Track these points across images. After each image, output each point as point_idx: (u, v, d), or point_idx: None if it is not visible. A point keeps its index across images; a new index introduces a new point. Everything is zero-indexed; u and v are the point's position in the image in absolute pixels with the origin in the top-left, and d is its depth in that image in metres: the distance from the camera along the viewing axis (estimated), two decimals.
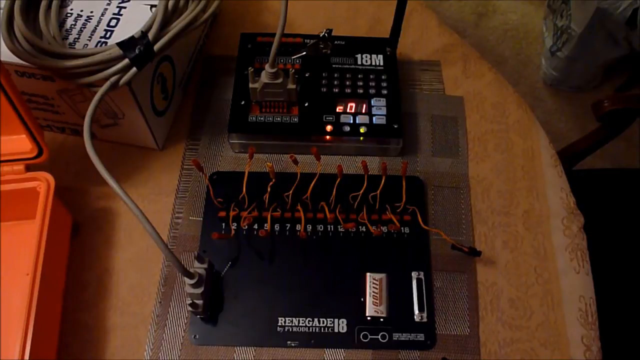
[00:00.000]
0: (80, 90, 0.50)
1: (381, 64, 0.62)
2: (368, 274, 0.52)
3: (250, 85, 0.56)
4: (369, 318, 0.51)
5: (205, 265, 0.48)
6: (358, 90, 0.59)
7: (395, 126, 0.58)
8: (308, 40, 0.62)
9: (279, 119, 0.57)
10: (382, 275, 0.52)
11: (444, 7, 1.64)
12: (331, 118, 0.58)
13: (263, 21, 0.70)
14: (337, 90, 0.59)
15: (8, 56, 0.47)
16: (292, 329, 0.50)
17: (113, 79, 0.46)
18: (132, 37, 0.47)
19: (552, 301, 0.53)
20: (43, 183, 0.49)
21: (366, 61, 0.62)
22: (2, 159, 0.49)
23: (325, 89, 0.59)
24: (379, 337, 0.50)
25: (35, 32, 0.49)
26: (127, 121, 0.54)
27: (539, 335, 0.51)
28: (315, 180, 0.51)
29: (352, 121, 0.58)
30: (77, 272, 0.52)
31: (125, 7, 0.54)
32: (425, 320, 0.51)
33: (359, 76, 0.60)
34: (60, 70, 0.47)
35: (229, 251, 0.53)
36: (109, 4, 0.54)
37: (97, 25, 0.52)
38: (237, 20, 0.70)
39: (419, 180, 0.58)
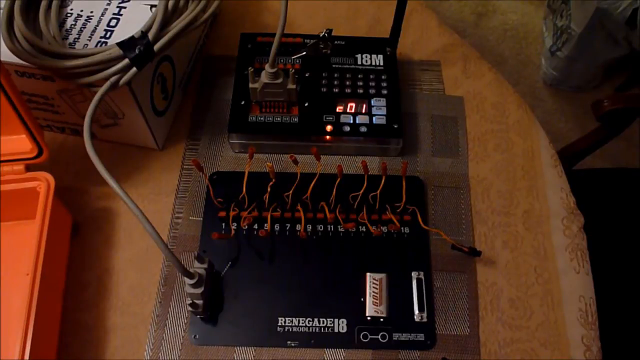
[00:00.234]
0: (80, 90, 0.50)
1: (381, 64, 0.62)
2: (368, 274, 0.52)
3: (250, 85, 0.56)
4: (369, 318, 0.51)
5: (205, 265, 0.48)
6: (358, 90, 0.59)
7: (395, 126, 0.58)
8: (308, 40, 0.62)
9: (279, 119, 0.57)
10: (382, 275, 0.52)
11: (444, 7, 1.64)
12: (331, 118, 0.58)
13: (263, 21, 0.70)
14: (337, 90, 0.59)
15: (8, 56, 0.47)
16: (292, 329, 0.50)
17: (113, 79, 0.46)
18: (132, 37, 0.47)
19: (552, 301, 0.53)
20: (43, 183, 0.49)
21: (366, 61, 0.62)
22: (2, 159, 0.49)
23: (325, 89, 0.59)
24: (379, 337, 0.50)
25: (35, 32, 0.49)
26: (127, 121, 0.54)
27: (539, 335, 0.51)
28: (315, 180, 0.51)
29: (352, 121, 0.58)
30: (77, 272, 0.52)
31: (125, 7, 0.54)
32: (425, 320, 0.51)
33: (359, 76, 0.60)
34: (60, 70, 0.47)
35: (229, 251, 0.53)
36: (109, 4, 0.54)
37: (97, 25, 0.52)
38: (237, 20, 0.70)
39: (419, 180, 0.58)
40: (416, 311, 0.51)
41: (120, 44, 0.46)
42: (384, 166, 0.51)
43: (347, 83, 0.60)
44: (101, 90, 0.46)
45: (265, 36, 0.63)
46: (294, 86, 0.56)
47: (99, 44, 0.51)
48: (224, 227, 0.55)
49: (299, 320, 0.50)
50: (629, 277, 0.78)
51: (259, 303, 0.51)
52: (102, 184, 0.43)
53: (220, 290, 0.51)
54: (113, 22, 0.52)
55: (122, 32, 0.51)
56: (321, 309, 0.51)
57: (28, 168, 0.50)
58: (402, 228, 0.55)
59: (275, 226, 0.55)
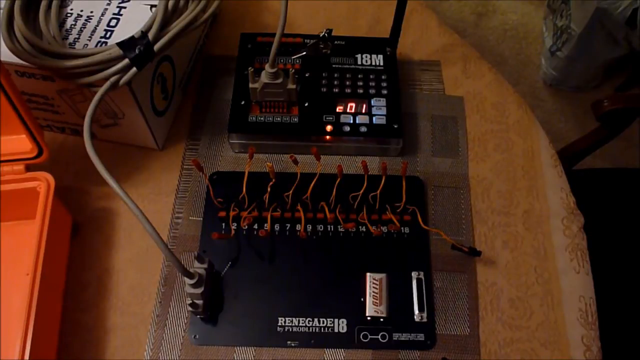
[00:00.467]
0: (80, 90, 0.50)
1: (381, 64, 0.62)
2: (368, 274, 0.52)
3: (250, 85, 0.56)
4: (369, 318, 0.51)
5: (205, 265, 0.48)
6: (358, 90, 0.59)
7: (395, 126, 0.58)
8: (308, 40, 0.62)
9: (279, 119, 0.57)
10: (382, 275, 0.52)
11: (444, 7, 1.64)
12: (331, 118, 0.58)
13: (263, 21, 0.70)
14: (337, 90, 0.59)
15: (8, 56, 0.47)
16: (292, 329, 0.50)
17: (113, 79, 0.46)
18: (132, 37, 0.47)
19: (552, 301, 0.53)
20: (43, 183, 0.49)
21: (366, 61, 0.62)
22: (2, 159, 0.49)
23: (325, 89, 0.59)
24: (379, 337, 0.50)
25: (35, 32, 0.49)
26: (127, 121, 0.54)
27: (539, 335, 0.51)
28: (315, 180, 0.51)
29: (352, 121, 0.58)
30: (77, 272, 0.52)
31: (125, 7, 0.54)
32: (425, 320, 0.51)
33: (359, 76, 0.60)
34: (60, 70, 0.47)
35: (229, 251, 0.53)
36: (109, 4, 0.54)
37: (97, 25, 0.52)
38: (237, 20, 0.70)
39: (419, 180, 0.58)
40: (416, 311, 0.51)
41: (120, 44, 0.46)
42: (384, 166, 0.51)
43: (347, 83, 0.60)
44: (101, 90, 0.46)
45: (265, 36, 0.63)
46: (294, 86, 0.56)
47: (99, 44, 0.51)
48: (224, 227, 0.55)
49: (299, 320, 0.50)
50: (629, 277, 0.78)
51: (259, 303, 0.51)
52: (102, 184, 0.43)
53: (220, 290, 0.51)
54: (113, 22, 0.52)
55: (122, 32, 0.51)
56: (321, 309, 0.51)
57: (28, 168, 0.50)
58: (402, 228, 0.55)
59: (275, 226, 0.55)
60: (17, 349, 0.41)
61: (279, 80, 0.55)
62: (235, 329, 0.50)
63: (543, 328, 0.52)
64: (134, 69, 0.47)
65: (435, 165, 0.60)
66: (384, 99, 0.59)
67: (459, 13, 1.63)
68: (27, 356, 0.41)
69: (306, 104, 0.58)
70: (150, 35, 0.48)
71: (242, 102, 0.58)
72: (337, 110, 0.58)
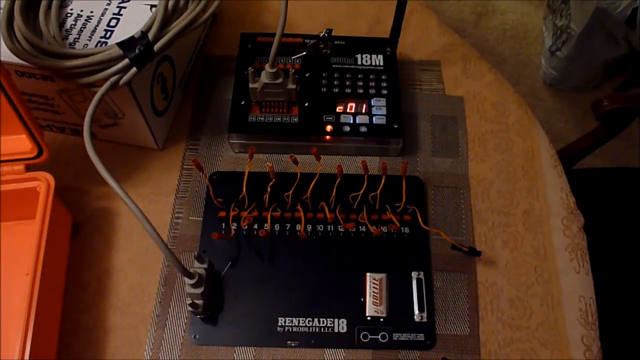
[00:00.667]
0: (80, 90, 0.50)
1: (381, 64, 0.62)
2: (368, 274, 0.52)
3: (250, 85, 0.56)
4: (369, 318, 0.51)
5: (205, 265, 0.48)
6: (358, 90, 0.59)
7: (395, 126, 0.58)
8: (308, 40, 0.62)
9: (279, 119, 0.57)
10: (382, 275, 0.52)
11: (444, 7, 1.64)
12: (331, 118, 0.58)
13: (263, 21, 0.70)
14: (337, 90, 0.59)
15: (8, 56, 0.47)
16: (292, 329, 0.50)
17: (113, 79, 0.46)
18: (132, 37, 0.47)
19: (552, 301, 0.53)
20: (43, 183, 0.49)
21: (366, 61, 0.62)
22: (2, 159, 0.49)
23: (325, 89, 0.59)
24: (379, 337, 0.50)
25: (35, 32, 0.49)
26: (127, 121, 0.54)
27: (539, 335, 0.51)
28: (315, 180, 0.51)
29: (352, 121, 0.58)
30: (77, 272, 0.52)
31: (125, 7, 0.53)
32: (425, 320, 0.51)
33: (359, 76, 0.60)
34: (60, 70, 0.47)
35: (229, 251, 0.53)
36: (109, 4, 0.54)
37: (97, 25, 0.52)
38: (237, 20, 0.70)
39: (419, 180, 0.58)
40: (416, 311, 0.51)
41: (120, 44, 0.46)
42: (384, 166, 0.51)
43: (347, 83, 0.60)
44: (101, 90, 0.46)
45: (265, 36, 0.63)
46: (294, 86, 0.56)
47: (99, 44, 0.51)
48: (224, 227, 0.55)
49: (299, 320, 0.50)
50: (629, 277, 0.78)
51: (259, 303, 0.51)
52: (102, 184, 0.43)
53: (220, 290, 0.51)
54: (113, 22, 0.52)
55: (122, 32, 0.51)
56: (321, 309, 0.51)
57: (28, 168, 0.50)
58: (402, 228, 0.55)
59: (275, 226, 0.55)
60: (17, 349, 0.41)
61: (279, 80, 0.55)
62: (235, 329, 0.50)
63: (543, 328, 0.52)
64: (134, 69, 0.47)
65: (435, 165, 0.60)
66: (384, 99, 0.59)
67: (459, 13, 1.63)
68: (27, 356, 0.41)
69: (306, 104, 0.58)
70: (150, 35, 0.48)
71: (242, 102, 0.58)
72: (337, 110, 0.58)
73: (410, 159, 0.60)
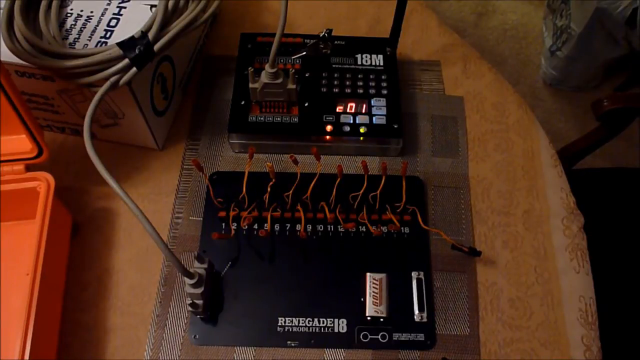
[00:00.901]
0: (80, 90, 0.50)
1: (381, 64, 0.62)
2: (368, 274, 0.52)
3: (250, 85, 0.56)
4: (369, 318, 0.51)
5: (205, 265, 0.48)
6: (358, 90, 0.59)
7: (395, 126, 0.58)
8: (308, 40, 0.62)
9: (279, 119, 0.57)
10: (382, 275, 0.52)
11: (444, 7, 1.63)
12: (331, 118, 0.58)
13: (263, 21, 0.70)
14: (337, 90, 0.59)
15: (8, 56, 0.47)
16: (292, 329, 0.50)
17: (113, 79, 0.46)
18: (132, 37, 0.47)
19: (552, 301, 0.53)
20: (43, 183, 0.49)
21: (366, 61, 0.62)
22: (2, 159, 0.49)
23: (325, 89, 0.59)
24: (379, 337, 0.50)
25: (35, 32, 0.49)
26: (127, 121, 0.54)
27: (539, 335, 0.51)
28: (315, 180, 0.51)
29: (352, 121, 0.58)
30: (77, 272, 0.52)
31: (125, 7, 0.54)
32: (425, 320, 0.51)
33: (359, 76, 0.60)
34: (60, 70, 0.47)
35: (229, 251, 0.53)
36: (109, 4, 0.54)
37: (97, 25, 0.52)
38: (237, 20, 0.70)
39: (419, 180, 0.58)
40: (416, 311, 0.51)
41: (120, 44, 0.46)
42: (384, 166, 0.51)
43: (347, 83, 0.60)
44: (101, 90, 0.46)
45: (265, 36, 0.63)
46: (294, 86, 0.56)
47: (99, 44, 0.51)
48: (224, 227, 0.55)
49: (299, 320, 0.50)
50: (629, 277, 0.78)
51: (259, 303, 0.51)
52: (102, 184, 0.43)
53: (220, 290, 0.51)
54: (113, 22, 0.52)
55: (122, 32, 0.51)
56: (321, 309, 0.51)
57: (28, 168, 0.50)
58: (402, 228, 0.55)
59: (275, 226, 0.55)
60: (17, 349, 0.41)
61: (279, 80, 0.55)
62: (235, 329, 0.50)
63: (543, 328, 0.52)
64: (134, 69, 0.47)
65: (435, 165, 0.60)
66: (384, 99, 0.59)
67: (459, 13, 1.63)
68: (27, 356, 0.41)
69: (306, 104, 0.58)
70: (150, 35, 0.48)
71: (242, 102, 0.58)
72: (337, 110, 0.58)
73: (410, 159, 0.60)
